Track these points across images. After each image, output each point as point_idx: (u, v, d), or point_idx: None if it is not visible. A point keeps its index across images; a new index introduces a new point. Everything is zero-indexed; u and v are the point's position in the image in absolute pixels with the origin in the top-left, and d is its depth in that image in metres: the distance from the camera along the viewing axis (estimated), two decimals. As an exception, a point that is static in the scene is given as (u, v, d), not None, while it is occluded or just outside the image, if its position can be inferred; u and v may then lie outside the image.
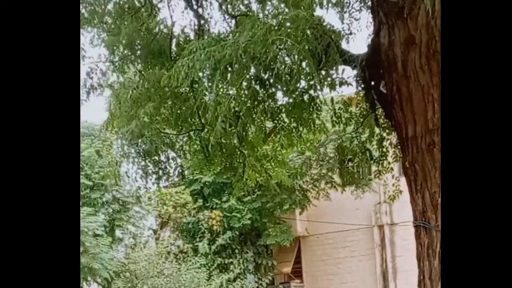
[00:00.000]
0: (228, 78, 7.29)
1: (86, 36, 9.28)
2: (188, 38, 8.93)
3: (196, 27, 9.05)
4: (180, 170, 11.89)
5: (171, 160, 10.94)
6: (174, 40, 9.04)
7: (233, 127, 7.96)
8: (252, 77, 7.38)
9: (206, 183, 21.77)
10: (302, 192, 20.15)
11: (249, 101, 7.91)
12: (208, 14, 9.17)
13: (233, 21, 9.01)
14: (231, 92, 7.48)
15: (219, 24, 9.13)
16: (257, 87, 7.66)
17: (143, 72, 9.18)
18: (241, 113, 7.91)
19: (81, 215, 16.42)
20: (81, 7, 8.93)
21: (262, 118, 8.36)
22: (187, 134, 9.85)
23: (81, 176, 18.45)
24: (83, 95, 9.45)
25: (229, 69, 7.14)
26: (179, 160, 11.47)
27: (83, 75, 9.39)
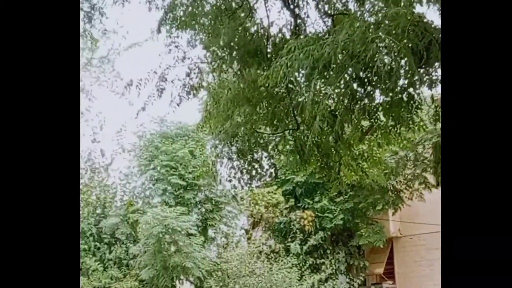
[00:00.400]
0: (326, 77, 7.27)
1: (184, 38, 9.47)
2: (284, 38, 8.95)
3: (292, 26, 9.07)
4: (273, 170, 11.92)
5: (264, 160, 10.99)
6: (270, 40, 9.07)
7: (329, 126, 7.92)
8: (350, 76, 7.33)
9: (298, 183, 21.73)
10: (396, 193, 19.81)
11: (346, 100, 7.87)
12: (305, 13, 9.19)
13: (330, 20, 8.99)
14: (328, 91, 7.45)
15: (315, 23, 9.13)
16: (355, 86, 7.61)
17: (239, 72, 9.26)
18: (337, 112, 7.87)
19: (174, 214, 16.68)
20: (178, 9, 9.11)
21: (359, 116, 8.28)
22: (281, 133, 9.86)
23: (175, 177, 18.78)
24: (183, 96, 9.61)
25: (327, 68, 7.12)
26: (272, 160, 11.51)
27: (182, 75, 9.56)
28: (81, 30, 9.77)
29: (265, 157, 11.21)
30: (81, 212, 18.97)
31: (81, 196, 19.38)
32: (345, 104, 7.86)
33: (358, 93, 7.78)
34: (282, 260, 19.94)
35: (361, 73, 7.25)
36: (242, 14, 9.05)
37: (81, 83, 20.90)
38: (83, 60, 20.71)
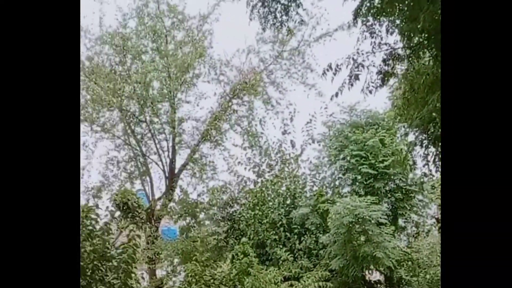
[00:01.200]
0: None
1: (380, 25, 9.44)
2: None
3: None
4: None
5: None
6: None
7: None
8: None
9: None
10: None
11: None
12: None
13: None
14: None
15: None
16: None
17: (438, 57, 9.11)
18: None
19: (364, 204, 16.63)
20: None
21: None
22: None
23: (365, 166, 18.71)
24: (377, 82, 9.58)
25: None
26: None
27: (377, 62, 9.54)
28: (278, 23, 9.99)
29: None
30: (271, 203, 19.45)
31: (272, 187, 19.87)
32: None
33: None
34: (473, 250, 19.31)
35: None
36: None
37: (272, 76, 21.33)
38: (273, 53, 21.14)
